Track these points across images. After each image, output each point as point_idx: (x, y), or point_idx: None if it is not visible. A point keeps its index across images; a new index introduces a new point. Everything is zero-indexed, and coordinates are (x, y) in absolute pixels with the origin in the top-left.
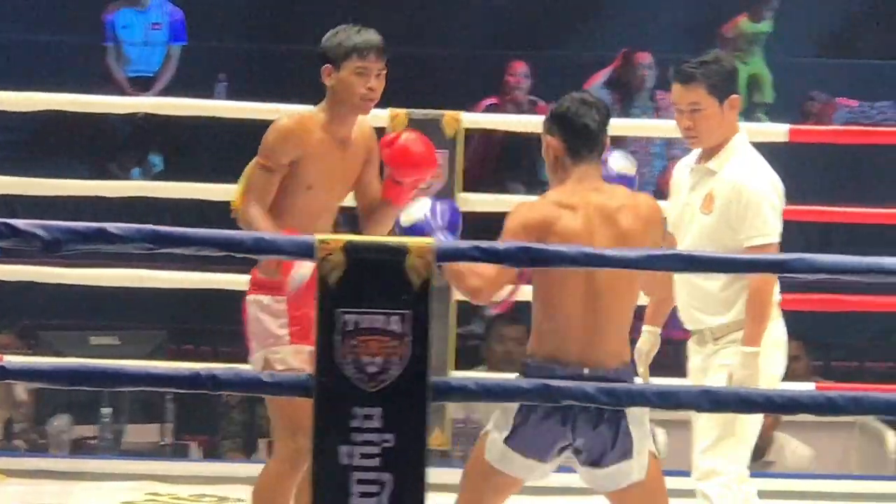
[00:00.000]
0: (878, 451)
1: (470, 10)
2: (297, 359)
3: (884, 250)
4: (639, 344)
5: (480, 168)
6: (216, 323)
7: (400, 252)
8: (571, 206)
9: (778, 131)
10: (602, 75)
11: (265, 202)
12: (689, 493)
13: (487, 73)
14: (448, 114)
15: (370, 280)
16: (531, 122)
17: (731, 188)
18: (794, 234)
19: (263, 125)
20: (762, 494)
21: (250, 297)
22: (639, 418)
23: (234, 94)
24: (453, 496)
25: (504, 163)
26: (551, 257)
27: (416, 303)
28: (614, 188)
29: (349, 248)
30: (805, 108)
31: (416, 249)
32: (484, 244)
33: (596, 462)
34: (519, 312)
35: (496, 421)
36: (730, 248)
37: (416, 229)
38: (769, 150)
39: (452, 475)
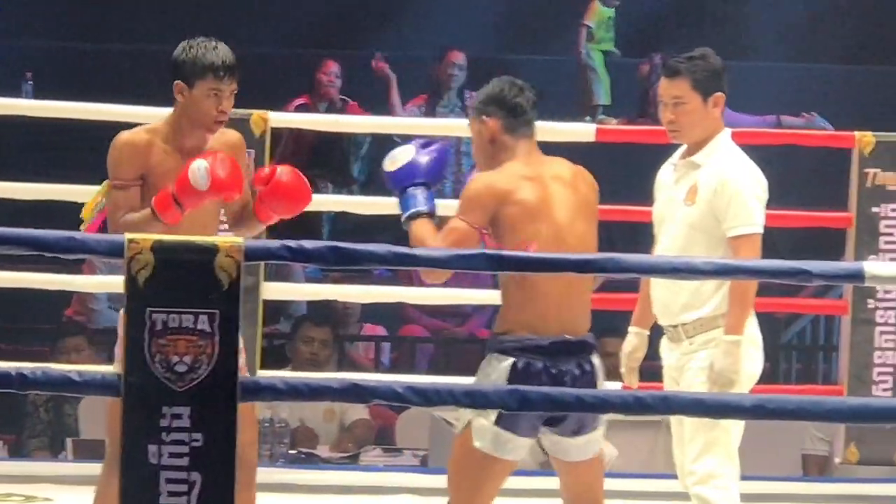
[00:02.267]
0: None
1: (281, 9)
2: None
3: None
4: (623, 345)
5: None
6: (21, 322)
7: (209, 251)
8: (530, 177)
9: (586, 131)
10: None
11: (125, 213)
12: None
13: (300, 73)
14: (256, 113)
15: (179, 279)
16: (339, 122)
17: (716, 179)
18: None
19: (70, 124)
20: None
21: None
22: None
23: (41, 93)
24: (259, 495)
25: (314, 162)
26: (360, 257)
27: (224, 302)
28: (559, 160)
29: (157, 248)
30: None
31: (225, 248)
32: (292, 243)
33: (577, 430)
34: (324, 316)
35: (476, 409)
36: (714, 238)
37: (398, 176)
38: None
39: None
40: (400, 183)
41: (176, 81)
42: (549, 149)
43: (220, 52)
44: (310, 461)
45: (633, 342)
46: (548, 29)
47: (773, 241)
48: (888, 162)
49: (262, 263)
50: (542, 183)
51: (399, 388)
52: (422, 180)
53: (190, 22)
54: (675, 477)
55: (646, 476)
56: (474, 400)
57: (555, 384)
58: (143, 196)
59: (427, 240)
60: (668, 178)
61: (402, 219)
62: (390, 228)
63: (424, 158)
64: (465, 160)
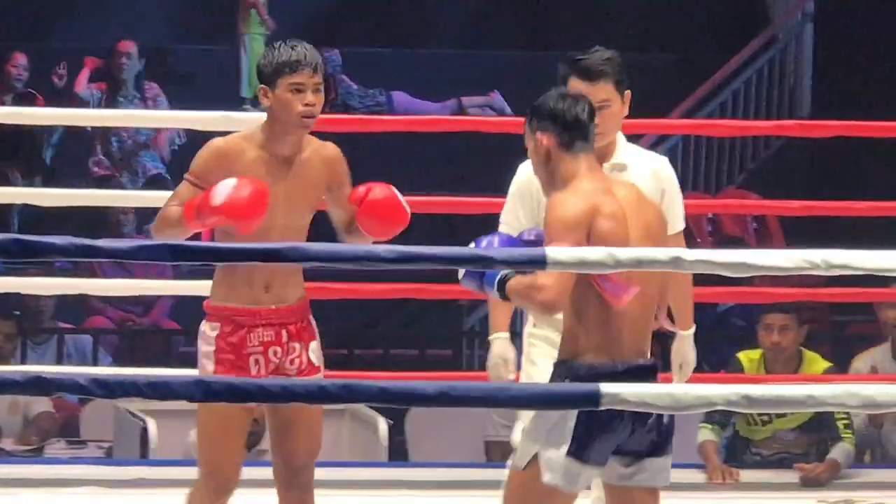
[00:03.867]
0: (371, 437)
1: None
2: None
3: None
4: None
5: None
6: None
7: None
8: (608, 191)
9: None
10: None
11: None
12: None
13: None
14: None
15: None
16: (19, 114)
17: (656, 178)
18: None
19: None
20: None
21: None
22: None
23: None
24: None
25: (2, 152)
26: (43, 249)
27: None
28: (623, 181)
29: None
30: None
31: None
32: None
33: (650, 453)
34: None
35: (545, 439)
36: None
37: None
38: None
39: None
40: (477, 281)
41: (260, 86)
42: None
43: (299, 48)
44: None
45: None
46: (216, 19)
47: (455, 227)
48: None
49: None
50: (615, 198)
51: (82, 381)
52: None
53: None
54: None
55: (332, 465)
56: (157, 391)
57: (635, 414)
58: None
59: (533, 297)
60: None
61: (493, 292)
62: (75, 218)
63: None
64: (143, 153)
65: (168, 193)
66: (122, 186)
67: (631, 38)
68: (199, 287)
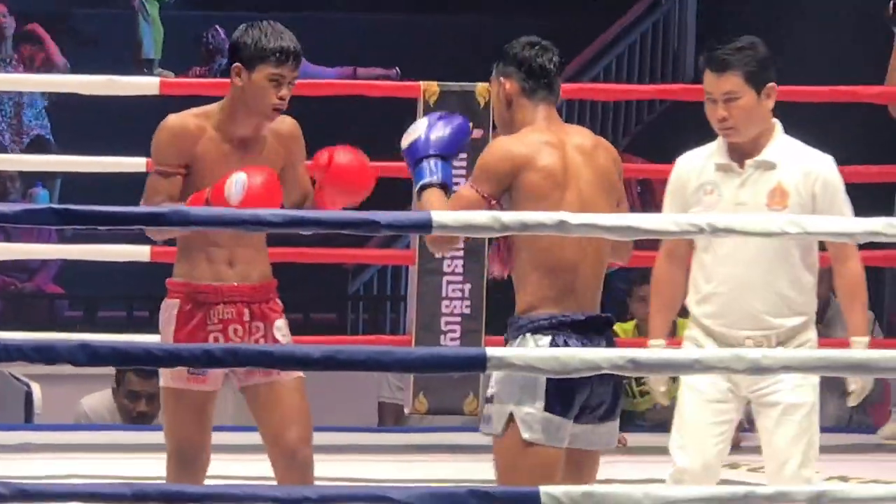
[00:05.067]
0: None
1: None
2: (172, 376)
3: None
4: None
5: None
6: None
7: None
8: (552, 144)
9: (149, 84)
10: None
11: (162, 200)
12: None
13: None
14: None
15: None
16: None
17: (812, 178)
18: None
19: None
20: None
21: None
22: None
23: None
24: None
25: None
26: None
27: None
28: (580, 129)
29: None
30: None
31: None
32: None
33: (604, 417)
34: None
35: (518, 398)
36: (808, 241)
37: (410, 151)
38: None
39: None
40: (412, 157)
41: (234, 64)
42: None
43: (286, 37)
44: None
45: None
46: None
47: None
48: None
49: None
50: (563, 150)
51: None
52: (434, 153)
53: None
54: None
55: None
56: (42, 354)
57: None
58: (187, 182)
59: (434, 210)
60: (716, 180)
61: (414, 191)
62: None
63: (438, 132)
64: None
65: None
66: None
67: (514, 3)
68: (83, 252)
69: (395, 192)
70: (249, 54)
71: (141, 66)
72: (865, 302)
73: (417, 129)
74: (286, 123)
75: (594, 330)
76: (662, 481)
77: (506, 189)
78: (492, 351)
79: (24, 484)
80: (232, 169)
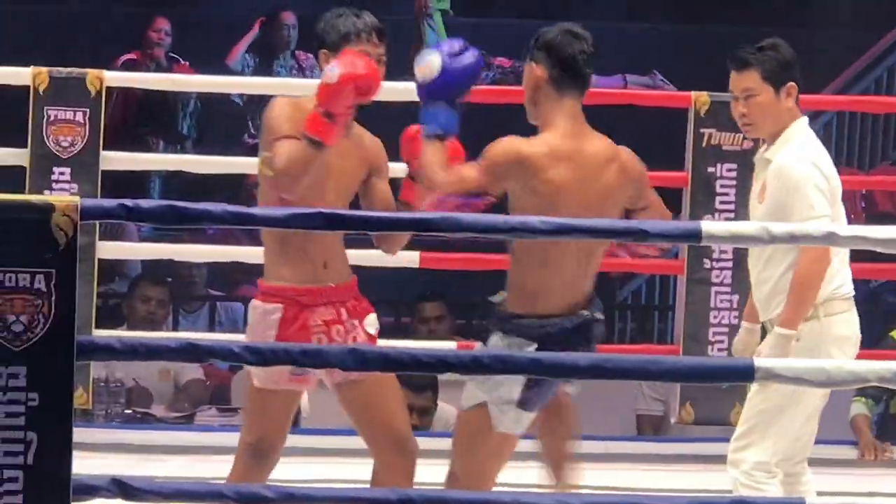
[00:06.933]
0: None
1: None
2: (270, 377)
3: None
4: (735, 342)
5: (122, 125)
6: None
7: (45, 210)
8: (566, 157)
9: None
10: (247, 40)
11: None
12: None
13: (128, 30)
14: (91, 72)
15: (15, 238)
16: (174, 80)
17: (777, 174)
18: None
19: None
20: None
21: (253, 303)
22: None
23: None
24: (95, 455)
25: (143, 119)
26: (196, 216)
27: (61, 261)
28: (599, 137)
29: None
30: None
31: (62, 208)
32: (128, 202)
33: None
34: (161, 275)
35: (497, 394)
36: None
37: (425, 89)
38: None
39: (94, 434)
40: (426, 93)
41: (321, 51)
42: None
43: (365, 16)
44: (145, 421)
45: (743, 338)
46: None
47: None
48: (723, 122)
49: (97, 222)
50: (574, 164)
51: (235, 348)
52: (447, 95)
53: None
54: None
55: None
56: (310, 358)
57: None
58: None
59: (434, 170)
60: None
61: (422, 134)
62: (224, 188)
63: (455, 73)
64: None
65: None
66: None
67: (768, 13)
68: (353, 256)
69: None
70: (332, 39)
71: None
72: (803, 299)
73: (433, 66)
74: (374, 138)
75: (583, 333)
76: None
77: (503, 187)
78: (760, 362)
79: (290, 487)
80: (332, 155)
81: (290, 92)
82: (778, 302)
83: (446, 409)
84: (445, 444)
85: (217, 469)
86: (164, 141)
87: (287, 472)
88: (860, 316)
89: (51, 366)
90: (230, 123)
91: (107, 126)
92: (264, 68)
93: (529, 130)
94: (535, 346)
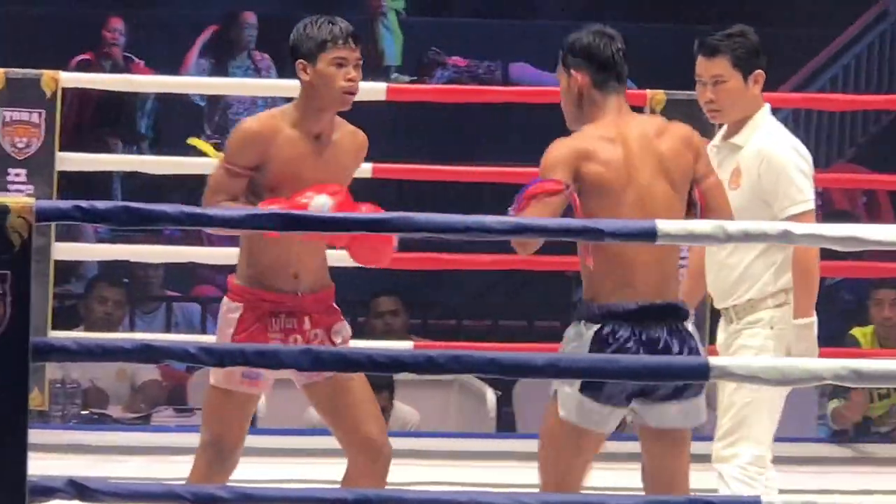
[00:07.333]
0: (479, 408)
1: None
2: (225, 378)
3: (485, 208)
4: None
5: (79, 125)
6: None
7: (0, 212)
8: (611, 139)
9: (377, 89)
10: (198, 45)
11: (225, 198)
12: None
13: (90, 31)
14: (46, 73)
15: None
16: (129, 81)
17: (758, 159)
18: (393, 193)
19: None
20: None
21: (224, 299)
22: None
23: None
24: (52, 456)
25: (101, 119)
26: (152, 217)
27: (16, 263)
28: (649, 117)
29: None
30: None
31: (17, 209)
32: (84, 203)
33: (668, 397)
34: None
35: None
36: (762, 220)
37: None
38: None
39: (51, 435)
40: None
41: (298, 61)
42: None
43: (338, 22)
44: (102, 422)
45: None
46: None
47: None
48: (679, 120)
49: (53, 224)
50: (623, 143)
51: (191, 349)
52: None
53: None
54: (470, 435)
55: (440, 435)
56: (265, 359)
57: (646, 351)
58: (258, 179)
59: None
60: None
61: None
62: (180, 188)
63: None
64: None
65: None
66: None
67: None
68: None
69: None
70: (308, 48)
71: (380, 73)
72: (809, 284)
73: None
74: (361, 136)
75: (653, 318)
76: None
77: (575, 177)
78: (714, 360)
79: (247, 488)
80: (309, 166)
81: (246, 92)
82: (746, 288)
83: (403, 409)
84: (400, 443)
85: (174, 469)
86: (122, 141)
87: (244, 472)
88: (817, 314)
89: (6, 367)
90: (189, 123)
91: (64, 126)
92: (220, 68)
93: (481, 131)
94: (597, 326)
